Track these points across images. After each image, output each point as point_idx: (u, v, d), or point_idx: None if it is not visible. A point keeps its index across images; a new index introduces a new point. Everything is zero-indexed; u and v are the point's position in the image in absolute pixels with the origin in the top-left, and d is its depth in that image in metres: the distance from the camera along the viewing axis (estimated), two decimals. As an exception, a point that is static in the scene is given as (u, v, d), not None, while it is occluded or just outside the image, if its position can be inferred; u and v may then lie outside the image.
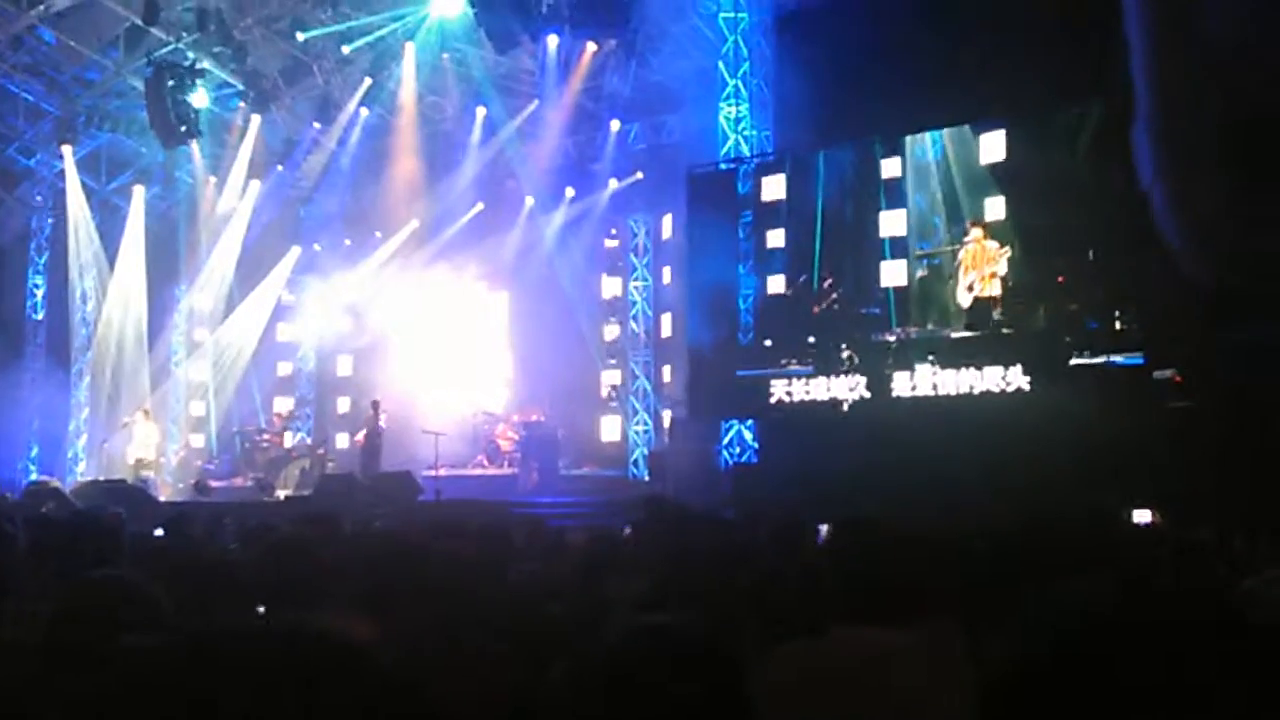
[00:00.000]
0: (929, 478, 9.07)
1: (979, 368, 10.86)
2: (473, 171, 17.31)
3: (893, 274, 11.73)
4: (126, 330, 18.41)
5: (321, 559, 2.51)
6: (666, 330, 16.29)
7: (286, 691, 0.85)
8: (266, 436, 17.73)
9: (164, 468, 17.32)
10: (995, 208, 10.98)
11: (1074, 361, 10.16)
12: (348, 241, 18.88)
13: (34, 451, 18.33)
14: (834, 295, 12.07)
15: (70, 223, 17.96)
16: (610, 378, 17.06)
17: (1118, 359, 9.98)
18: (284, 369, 19.97)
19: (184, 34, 14.76)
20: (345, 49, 15.17)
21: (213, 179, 18.04)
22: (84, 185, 17.81)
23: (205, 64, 15.23)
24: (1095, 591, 0.98)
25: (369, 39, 15.06)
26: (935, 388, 11.14)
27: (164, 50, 14.80)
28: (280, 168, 17.95)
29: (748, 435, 13.22)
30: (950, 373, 11.07)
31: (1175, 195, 8.80)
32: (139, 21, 14.12)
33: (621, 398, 16.89)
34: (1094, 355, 10.10)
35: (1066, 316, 10.46)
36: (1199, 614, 0.93)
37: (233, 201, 18.08)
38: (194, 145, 16.48)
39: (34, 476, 16.18)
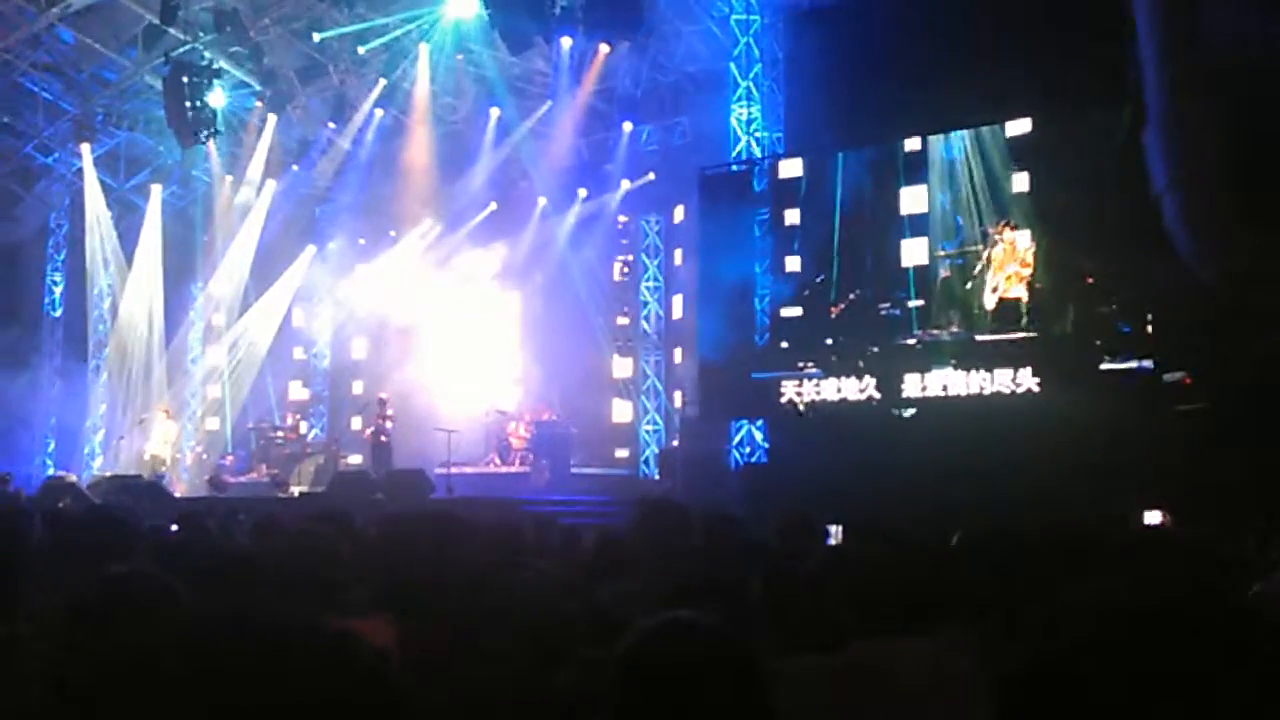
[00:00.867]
0: (939, 479, 9.08)
1: (989, 370, 10.83)
2: (486, 172, 17.37)
3: (915, 275, 11.56)
4: (143, 327, 18.56)
5: (337, 555, 2.55)
6: (678, 312, 16.28)
7: (295, 688, 0.87)
8: (281, 433, 17.84)
9: (179, 464, 17.46)
10: (1024, 210, 10.85)
11: (1105, 367, 9.91)
12: (362, 241, 18.98)
13: (51, 447, 18.51)
14: (853, 296, 11.92)
15: (88, 220, 18.13)
16: (622, 374, 17.09)
17: (1149, 364, 9.76)
18: (298, 366, 20.09)
19: (201, 34, 14.86)
20: (361, 50, 15.24)
21: (229, 178, 18.17)
22: (102, 183, 17.97)
23: (222, 64, 15.34)
24: (1109, 593, 0.99)
25: (384, 40, 15.14)
26: (946, 389, 11.13)
27: (181, 50, 14.90)
28: (296, 167, 18.06)
29: (758, 435, 13.24)
30: (960, 374, 11.05)
31: (1186, 203, 8.78)
32: (156, 21, 14.23)
33: (633, 394, 16.92)
34: (1126, 360, 9.83)
35: (1097, 319, 10.19)
36: (1212, 615, 0.93)
37: (249, 200, 18.20)
38: (211, 144, 16.59)
39: (51, 471, 16.34)
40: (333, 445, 17.70)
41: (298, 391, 19.91)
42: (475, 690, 2.11)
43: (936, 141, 11.57)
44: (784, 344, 12.53)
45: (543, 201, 17.53)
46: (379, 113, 16.76)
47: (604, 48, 14.76)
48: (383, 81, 15.99)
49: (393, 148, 17.16)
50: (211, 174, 18.33)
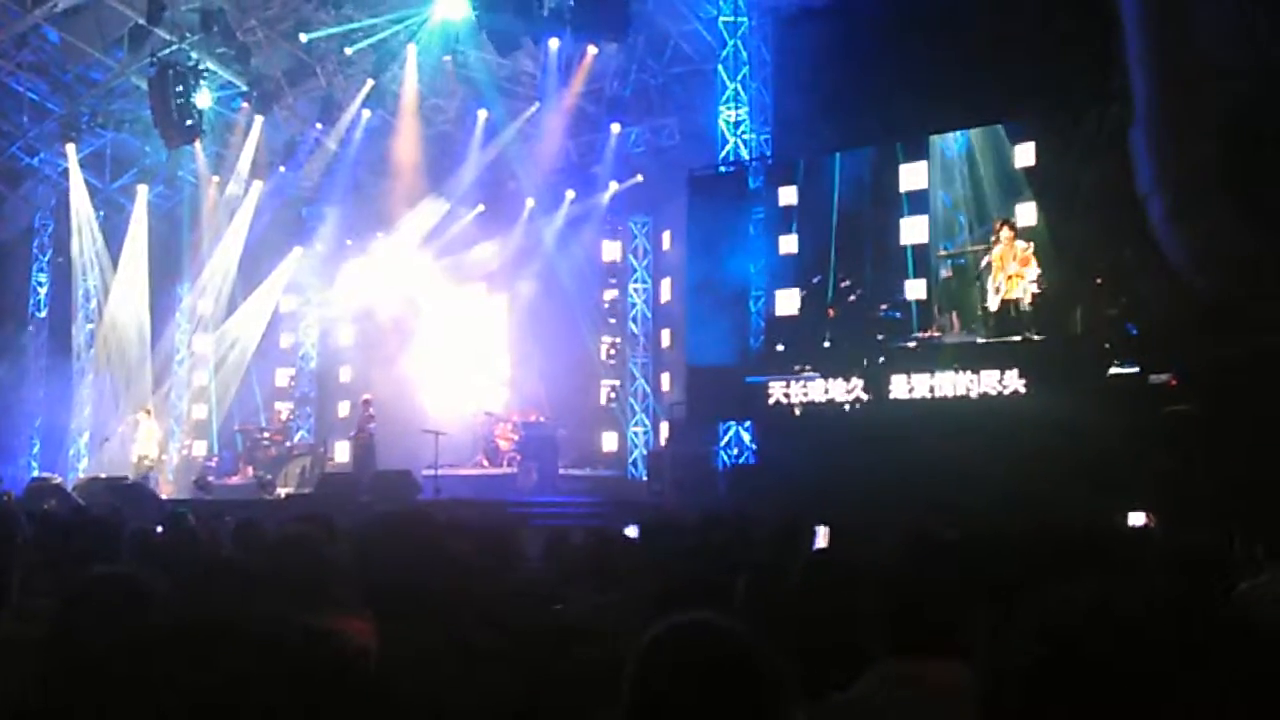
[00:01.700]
0: (927, 481, 9.10)
1: (977, 371, 10.84)
2: (474, 173, 17.36)
3: (916, 276, 11.47)
4: (129, 328, 18.46)
5: (323, 557, 2.55)
6: (666, 342, 16.34)
7: (272, 685, 0.87)
8: (268, 435, 17.78)
9: (166, 465, 17.37)
10: (1026, 211, 10.76)
11: (1114, 371, 9.77)
12: (349, 242, 18.92)
13: (36, 448, 18.40)
14: (851, 298, 11.85)
15: (74, 221, 18.02)
16: (609, 381, 17.08)
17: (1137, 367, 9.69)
18: (285, 368, 20.04)
19: (188, 34, 14.79)
20: (348, 50, 15.21)
21: (216, 179, 18.10)
22: (88, 184, 17.87)
23: (209, 64, 15.28)
24: (1092, 595, 0.99)
25: (371, 40, 15.11)
26: (933, 390, 11.15)
27: (168, 50, 14.83)
28: (282, 168, 18.01)
29: (746, 436, 13.26)
30: (948, 375, 11.07)
31: (1171, 203, 8.83)
32: (143, 21, 14.17)
33: (620, 399, 16.92)
34: (1131, 365, 9.69)
35: (1106, 321, 10.04)
36: (1197, 616, 0.94)
37: (235, 201, 18.13)
38: (197, 145, 16.51)
39: (36, 473, 16.24)
40: (319, 447, 17.65)
41: (284, 394, 19.83)
42: (458, 691, 2.11)
43: (937, 140, 11.51)
44: (779, 346, 12.52)
45: (531, 203, 17.53)
46: (366, 114, 16.73)
47: (592, 49, 14.78)
48: (370, 82, 15.95)
49: (380, 149, 17.14)
50: (198, 175, 18.25)
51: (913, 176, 11.59)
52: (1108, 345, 10.03)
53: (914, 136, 11.72)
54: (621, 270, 17.35)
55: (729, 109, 13.51)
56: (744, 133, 13.47)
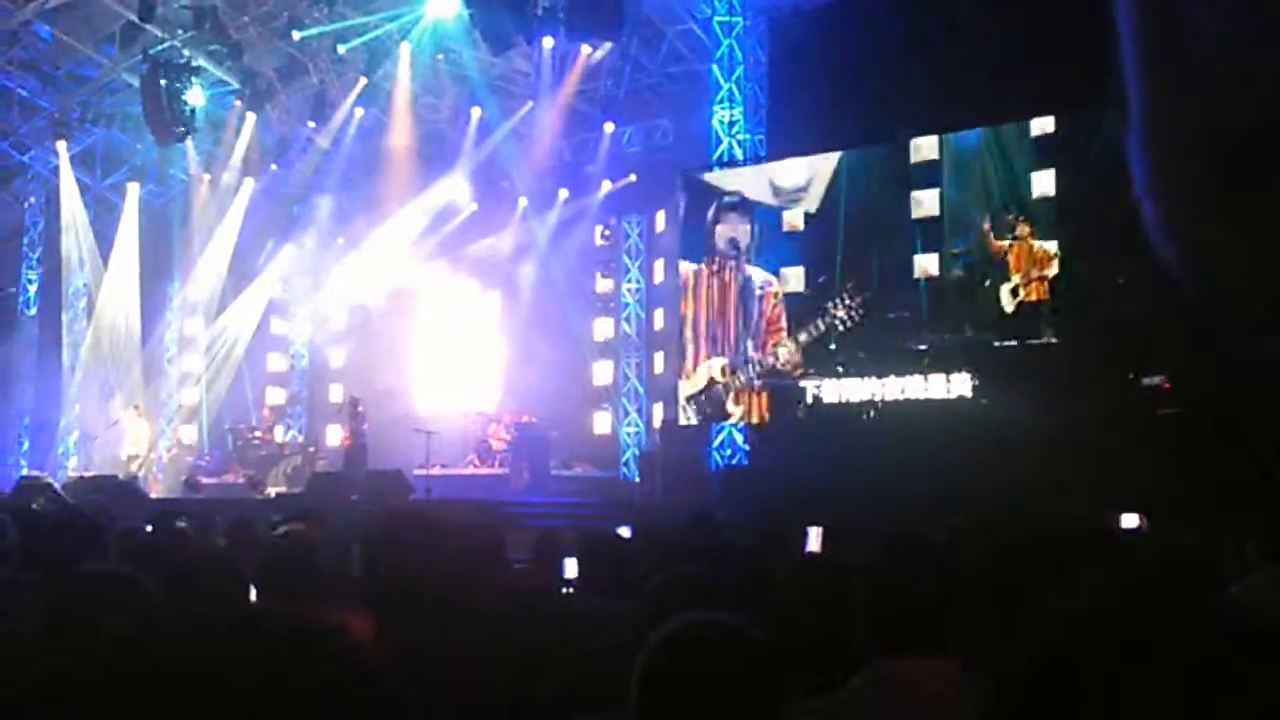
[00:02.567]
0: (921, 482, 9.10)
1: (972, 374, 10.86)
2: (467, 172, 17.34)
3: (926, 274, 11.37)
4: (119, 326, 18.39)
5: (315, 556, 2.53)
6: (660, 324, 16.31)
7: (264, 678, 0.86)
8: (258, 434, 17.72)
9: (155, 464, 17.32)
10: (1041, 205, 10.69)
11: (1147, 381, 9.56)
12: (341, 241, 18.88)
13: (25, 446, 18.33)
14: (859, 298, 11.76)
15: (64, 219, 17.96)
16: (602, 377, 17.06)
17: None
18: (276, 366, 19.99)
19: (180, 31, 14.74)
20: (341, 49, 15.16)
21: (207, 176, 18.04)
22: (78, 181, 17.81)
23: (201, 61, 15.23)
24: (1092, 597, 0.99)
25: (364, 39, 15.06)
26: (929, 392, 11.17)
27: (160, 47, 14.78)
28: (274, 166, 17.96)
29: (738, 438, 13.26)
30: (940, 377, 11.09)
31: (1165, 207, 8.85)
32: (135, 18, 14.10)
33: (613, 397, 16.90)
34: (1150, 374, 9.52)
35: (1123, 324, 9.81)
36: (1193, 617, 0.94)
37: (227, 199, 18.08)
38: (189, 142, 16.47)
39: (25, 472, 16.17)
40: (309, 447, 17.60)
41: (275, 393, 19.78)
42: (453, 687, 2.09)
43: (949, 137, 11.43)
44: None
45: (524, 202, 17.50)
46: (359, 112, 16.68)
47: (586, 48, 14.77)
48: (363, 80, 15.91)
49: (372, 147, 17.10)
50: (189, 173, 18.19)
51: (923, 164, 11.53)
52: (1107, 350, 10.06)
53: (892, 137, 11.74)
54: (615, 270, 17.33)
55: (723, 109, 13.51)
56: (738, 133, 13.48)
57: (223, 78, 15.96)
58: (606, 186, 16.64)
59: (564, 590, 4.18)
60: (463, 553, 3.63)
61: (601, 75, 15.61)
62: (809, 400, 11.92)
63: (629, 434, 16.58)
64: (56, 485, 13.08)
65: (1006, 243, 10.85)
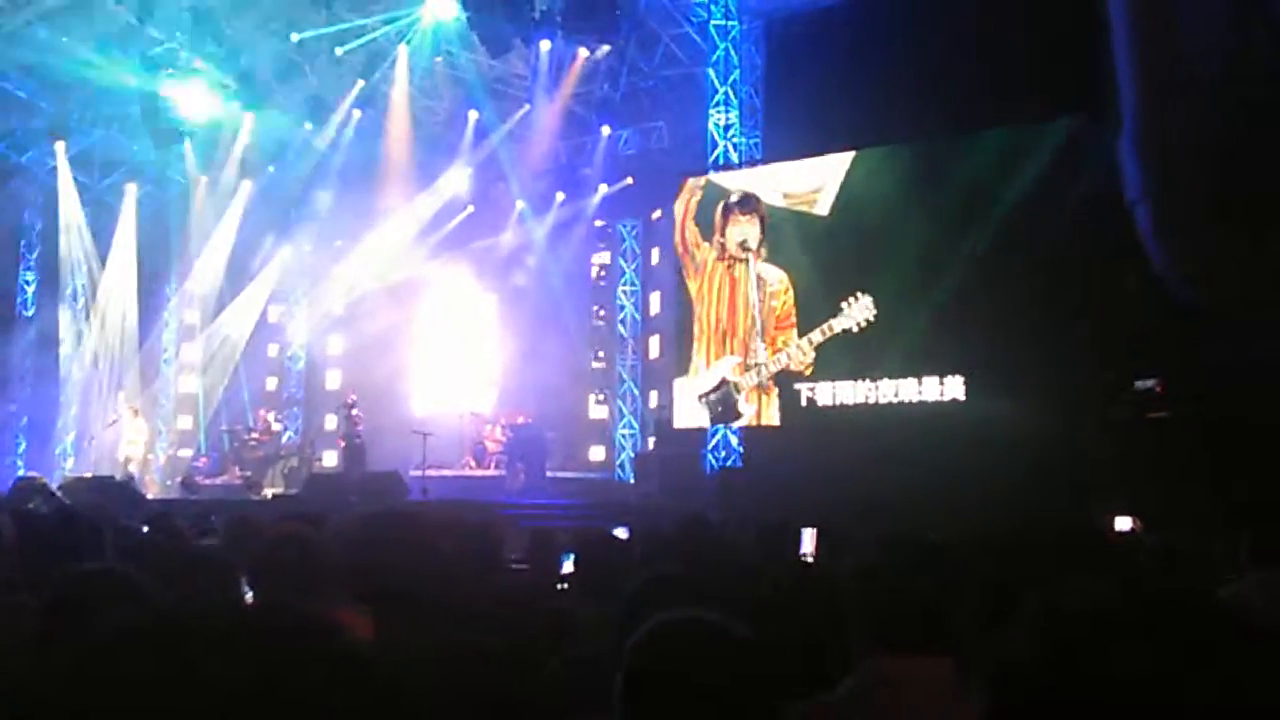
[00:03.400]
0: (914, 484, 9.14)
1: (965, 376, 10.89)
2: (464, 175, 17.37)
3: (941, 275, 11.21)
4: (117, 327, 18.41)
5: (312, 554, 2.56)
6: (655, 308, 16.32)
7: (266, 670, 0.87)
8: (255, 435, 17.72)
9: (152, 465, 17.32)
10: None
11: (1140, 385, 9.55)
12: (338, 243, 18.90)
13: (22, 447, 18.32)
14: (871, 299, 11.63)
15: (62, 220, 17.97)
16: (598, 378, 17.09)
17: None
18: (273, 368, 20.01)
19: (178, 33, 14.76)
20: (339, 51, 15.18)
21: (204, 178, 18.05)
22: (76, 182, 17.81)
23: (199, 63, 15.24)
24: (1091, 594, 0.99)
25: (362, 41, 15.09)
26: (920, 393, 11.21)
27: (158, 49, 14.80)
28: (271, 168, 17.98)
29: (733, 439, 13.28)
30: (933, 379, 11.12)
31: (1158, 212, 8.88)
32: (134, 20, 14.13)
33: (609, 400, 16.93)
34: (1146, 376, 9.49)
35: (1096, 328, 9.84)
36: (1192, 615, 0.95)
37: (224, 200, 18.09)
38: (186, 144, 16.50)
39: (21, 472, 16.16)
40: (306, 448, 17.61)
41: (272, 394, 19.80)
42: (448, 688, 2.12)
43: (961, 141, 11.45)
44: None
45: (520, 204, 17.53)
46: (356, 114, 16.70)
47: (583, 51, 14.80)
48: (361, 83, 15.93)
49: (370, 149, 17.12)
50: (187, 174, 18.20)
51: (944, 170, 11.43)
52: (1098, 352, 10.07)
53: (904, 140, 11.75)
54: (611, 274, 17.36)
55: (719, 112, 13.54)
56: (734, 136, 13.51)
57: (221, 79, 15.97)
58: (603, 189, 16.67)
59: (559, 587, 4.20)
60: (459, 552, 3.65)
61: (598, 78, 15.64)
62: (803, 403, 11.95)
63: (624, 436, 16.60)
64: (53, 486, 13.09)
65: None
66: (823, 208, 12.13)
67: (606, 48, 14.58)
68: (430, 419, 16.28)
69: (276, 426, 18.24)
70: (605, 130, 16.22)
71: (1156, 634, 0.93)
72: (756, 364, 12.43)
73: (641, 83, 15.81)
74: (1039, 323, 10.41)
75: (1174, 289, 8.92)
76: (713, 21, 13.57)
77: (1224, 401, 8.73)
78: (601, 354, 17.28)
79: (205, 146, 17.54)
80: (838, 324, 11.79)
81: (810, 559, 5.35)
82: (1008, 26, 10.52)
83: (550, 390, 16.54)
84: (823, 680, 2.16)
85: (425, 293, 18.51)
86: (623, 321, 17.11)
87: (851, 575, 2.31)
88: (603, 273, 17.58)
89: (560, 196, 17.19)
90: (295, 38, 14.87)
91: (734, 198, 12.75)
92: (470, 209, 18.09)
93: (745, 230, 12.60)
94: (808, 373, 12.05)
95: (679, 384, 13.21)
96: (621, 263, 17.25)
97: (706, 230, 12.94)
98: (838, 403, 11.78)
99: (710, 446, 13.34)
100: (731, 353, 12.69)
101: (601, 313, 17.51)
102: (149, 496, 14.10)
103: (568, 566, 4.18)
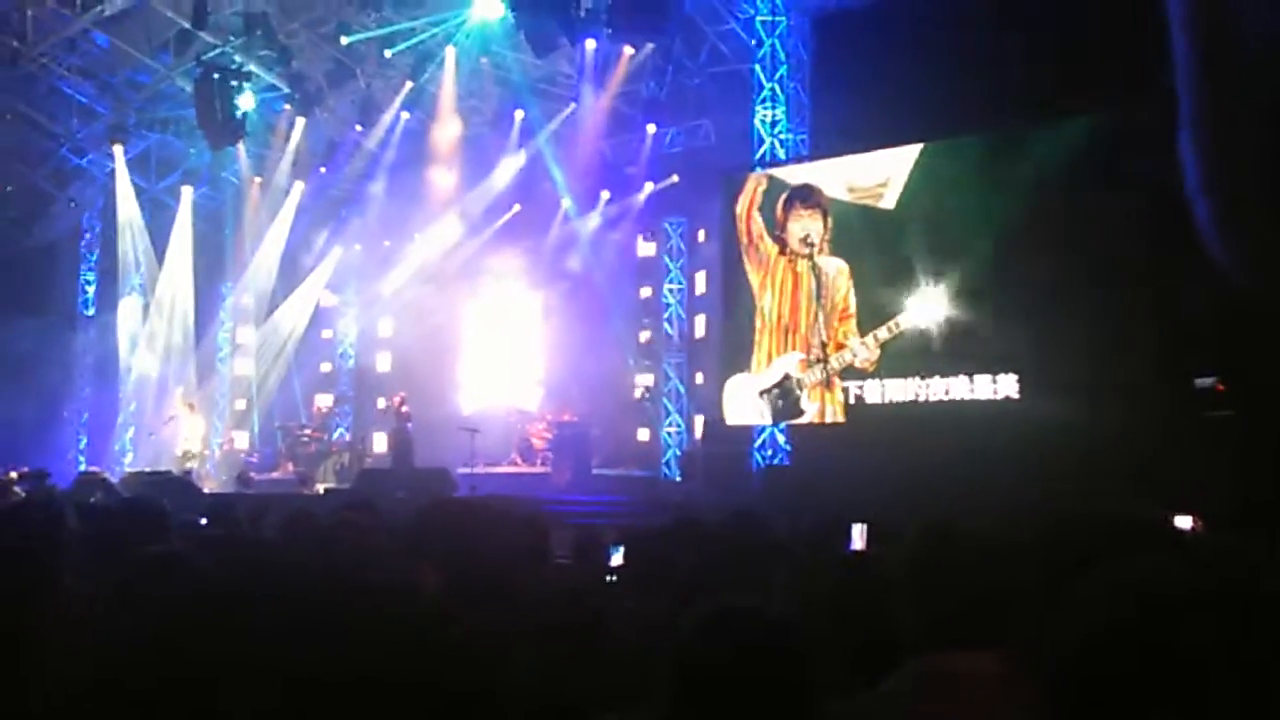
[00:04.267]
0: (966, 481, 9.04)
1: (1017, 374, 10.75)
2: (510, 174, 17.48)
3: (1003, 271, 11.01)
4: (174, 327, 18.81)
5: (369, 540, 2.61)
6: (700, 331, 16.32)
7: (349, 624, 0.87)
8: (307, 431, 18.02)
9: (208, 460, 17.66)
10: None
11: (1199, 383, 9.37)
12: (387, 243, 19.13)
13: (83, 443, 18.77)
14: (936, 297, 11.46)
15: (120, 221, 18.39)
16: (644, 380, 17.10)
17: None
18: (325, 365, 20.31)
19: (231, 38, 15.03)
20: (387, 53, 15.37)
21: (258, 180, 18.37)
22: (134, 185, 18.22)
23: (252, 67, 15.51)
24: (1154, 570, 0.98)
25: (410, 43, 15.25)
26: (973, 391, 11.09)
27: (212, 53, 15.09)
28: (323, 169, 18.24)
29: (780, 438, 13.23)
30: (985, 377, 11.00)
31: (1219, 205, 8.69)
32: (188, 25, 14.42)
33: (654, 399, 16.94)
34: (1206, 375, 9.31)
35: (1155, 325, 9.69)
36: (1258, 593, 0.93)
37: (277, 201, 18.40)
38: (240, 146, 16.79)
39: (83, 468, 16.56)
40: (357, 444, 17.86)
41: (323, 391, 20.10)
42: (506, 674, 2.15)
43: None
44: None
45: (566, 203, 17.60)
46: (405, 115, 16.89)
47: (628, 50, 14.82)
48: (409, 84, 16.11)
49: (418, 150, 17.29)
50: (241, 176, 18.53)
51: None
52: (1156, 351, 9.88)
53: (955, 136, 11.62)
54: (657, 271, 17.37)
55: (765, 109, 13.49)
56: (780, 133, 13.45)
57: (273, 83, 16.24)
58: (649, 188, 16.68)
59: (608, 580, 4.23)
60: (509, 542, 3.70)
61: (644, 76, 15.65)
62: (851, 400, 11.88)
63: (670, 434, 16.61)
64: (113, 480, 13.39)
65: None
66: (889, 201, 11.93)
67: (652, 46, 14.59)
68: (477, 416, 16.43)
69: (328, 409, 18.54)
70: (651, 128, 16.22)
71: (1223, 608, 0.91)
72: (820, 360, 12.26)
73: (687, 80, 15.80)
74: (1096, 320, 10.24)
75: (1235, 283, 8.73)
76: (759, 17, 13.53)
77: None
78: (648, 351, 17.27)
79: (258, 149, 17.86)
80: (904, 321, 11.62)
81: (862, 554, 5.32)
82: (1061, 16, 10.37)
83: (596, 388, 16.59)
84: (871, 676, 2.15)
85: (473, 291, 18.66)
86: (668, 320, 17.11)
87: (903, 568, 2.29)
88: (648, 271, 17.58)
89: (606, 195, 17.22)
90: (345, 41, 15.06)
91: (796, 191, 12.60)
92: (517, 208, 18.20)
93: (808, 225, 12.43)
94: (872, 369, 11.89)
95: (736, 380, 13.00)
96: (667, 260, 17.25)
97: (769, 224, 12.84)
98: (887, 400, 11.68)
99: (757, 445, 13.30)
100: (794, 349, 12.53)
101: (647, 304, 17.49)
102: (205, 491, 14.37)
103: (616, 559, 4.21)
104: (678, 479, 15.00)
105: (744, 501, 10.44)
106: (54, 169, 17.96)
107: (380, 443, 17.93)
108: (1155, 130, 9.66)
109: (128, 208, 18.27)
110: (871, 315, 11.94)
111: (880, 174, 11.99)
